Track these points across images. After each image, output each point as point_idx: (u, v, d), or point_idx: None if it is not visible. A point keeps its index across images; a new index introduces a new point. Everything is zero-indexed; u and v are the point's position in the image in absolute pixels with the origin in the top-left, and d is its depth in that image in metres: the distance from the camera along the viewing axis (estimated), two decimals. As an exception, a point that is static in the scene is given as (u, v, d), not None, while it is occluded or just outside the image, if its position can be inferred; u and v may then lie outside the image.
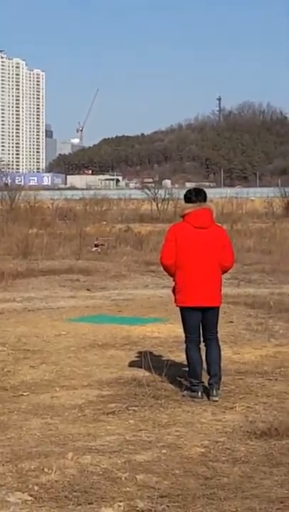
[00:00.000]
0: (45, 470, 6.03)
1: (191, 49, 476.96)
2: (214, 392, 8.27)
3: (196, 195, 8.49)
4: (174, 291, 8.56)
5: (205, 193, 8.58)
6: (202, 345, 8.56)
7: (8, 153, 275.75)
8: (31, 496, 5.58)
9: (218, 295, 8.47)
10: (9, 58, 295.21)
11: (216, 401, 8.16)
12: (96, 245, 12.42)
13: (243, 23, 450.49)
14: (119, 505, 5.38)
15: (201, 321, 8.45)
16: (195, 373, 8.39)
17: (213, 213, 8.48)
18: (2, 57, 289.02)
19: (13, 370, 9.73)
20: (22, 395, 8.54)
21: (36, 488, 5.70)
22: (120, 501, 5.47)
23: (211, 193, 8.74)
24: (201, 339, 8.55)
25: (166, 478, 5.92)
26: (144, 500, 5.48)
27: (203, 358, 8.53)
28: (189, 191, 8.64)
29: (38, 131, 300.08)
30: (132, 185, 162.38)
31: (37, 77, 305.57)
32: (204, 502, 5.47)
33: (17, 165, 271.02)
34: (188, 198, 8.52)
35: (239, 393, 8.51)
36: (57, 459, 6.29)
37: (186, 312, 8.44)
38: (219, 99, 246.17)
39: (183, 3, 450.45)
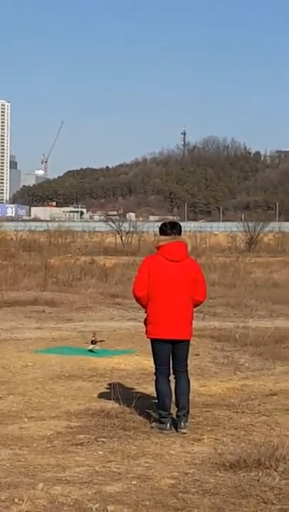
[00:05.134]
0: (16, 501, 6.02)
1: (156, 82, 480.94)
2: (182, 424, 8.31)
3: (171, 228, 8.59)
4: (145, 322, 8.60)
5: (180, 226, 8.68)
6: (172, 377, 8.61)
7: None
8: (2, 526, 5.57)
9: (189, 328, 8.53)
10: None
11: (185, 433, 8.21)
12: (93, 342, 12.26)
13: (207, 57, 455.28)
14: (91, 536, 5.40)
15: (171, 354, 8.51)
16: (164, 405, 8.43)
17: (187, 247, 8.56)
18: None
19: (-20, 400, 9.69)
20: (-10, 425, 8.51)
21: (7, 518, 5.69)
22: (92, 532, 5.48)
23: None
24: (171, 371, 8.60)
25: (137, 509, 5.94)
26: (116, 531, 5.50)
27: (172, 389, 8.57)
28: (164, 224, 8.74)
29: (2, 162, 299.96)
30: (96, 217, 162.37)
31: (2, 108, 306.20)
32: (175, 533, 5.50)
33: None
34: (164, 230, 8.61)
35: (207, 425, 8.56)
36: (27, 489, 6.28)
37: (156, 344, 8.49)
38: (184, 134, 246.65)
39: (148, 36, 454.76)
